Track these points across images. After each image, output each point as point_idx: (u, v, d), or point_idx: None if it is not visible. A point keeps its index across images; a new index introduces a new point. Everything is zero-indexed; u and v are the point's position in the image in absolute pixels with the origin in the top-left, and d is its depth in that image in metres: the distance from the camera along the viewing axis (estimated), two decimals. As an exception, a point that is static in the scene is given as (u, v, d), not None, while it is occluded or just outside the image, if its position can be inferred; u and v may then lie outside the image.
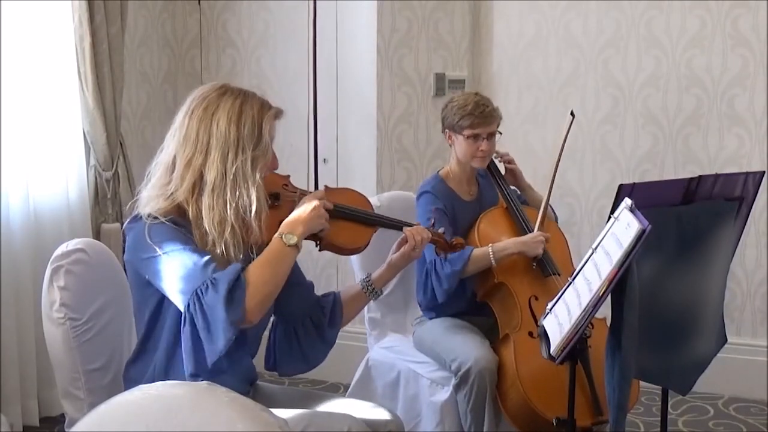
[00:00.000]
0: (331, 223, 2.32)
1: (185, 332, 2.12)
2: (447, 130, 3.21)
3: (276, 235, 2.19)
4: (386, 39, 4.30)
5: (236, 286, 2.08)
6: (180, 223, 2.19)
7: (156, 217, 2.18)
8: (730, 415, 4.02)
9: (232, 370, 2.29)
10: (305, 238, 2.26)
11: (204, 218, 2.18)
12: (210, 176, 2.17)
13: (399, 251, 2.51)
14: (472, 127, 3.13)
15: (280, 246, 2.17)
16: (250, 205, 2.18)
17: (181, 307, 2.13)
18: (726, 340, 2.81)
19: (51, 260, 2.43)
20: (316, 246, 2.35)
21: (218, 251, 2.17)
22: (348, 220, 2.41)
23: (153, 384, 1.50)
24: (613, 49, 4.30)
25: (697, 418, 4.00)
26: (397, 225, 2.53)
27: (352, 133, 4.41)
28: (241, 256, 2.20)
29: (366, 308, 3.41)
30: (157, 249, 2.15)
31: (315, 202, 2.26)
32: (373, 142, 4.34)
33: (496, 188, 3.27)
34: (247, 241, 2.22)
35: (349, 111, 4.40)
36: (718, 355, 2.78)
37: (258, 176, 2.21)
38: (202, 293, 2.08)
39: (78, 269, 2.42)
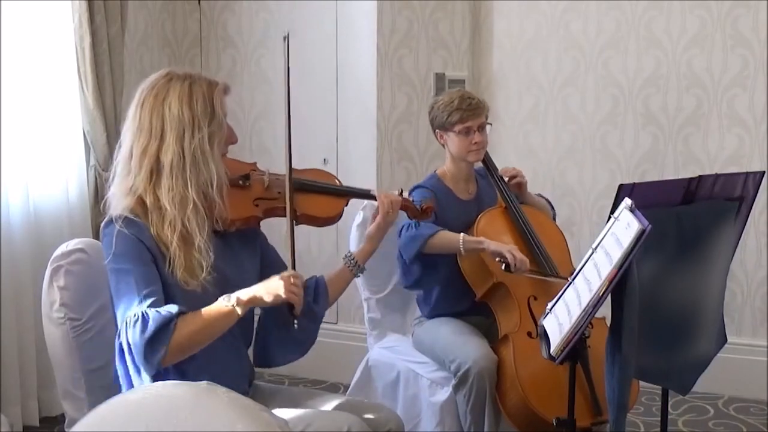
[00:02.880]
0: (304, 196, 2.43)
1: (116, 351, 2.18)
2: (437, 131, 3.22)
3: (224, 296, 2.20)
4: (386, 39, 4.29)
5: (162, 333, 2.11)
6: (141, 220, 2.21)
7: (126, 218, 2.20)
8: (730, 415, 4.02)
9: (226, 368, 2.30)
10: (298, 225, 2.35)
11: (163, 200, 2.21)
12: (167, 159, 2.21)
13: (374, 222, 2.59)
14: (462, 120, 3.14)
15: (221, 305, 2.18)
16: (212, 180, 2.22)
17: (118, 325, 2.18)
18: (726, 340, 2.82)
19: (51, 260, 2.43)
20: (294, 223, 2.40)
21: (175, 244, 2.18)
22: (319, 193, 2.51)
23: (153, 384, 1.50)
24: (613, 49, 4.30)
25: (697, 418, 4.00)
26: (366, 193, 2.65)
27: (352, 133, 4.40)
28: (206, 232, 2.22)
29: (366, 308, 3.42)
30: (117, 261, 2.18)
31: (285, 275, 2.23)
32: (373, 142, 4.34)
33: (495, 188, 3.27)
34: (212, 216, 2.26)
35: (349, 111, 4.39)
36: (718, 355, 2.79)
37: (216, 151, 2.26)
38: (129, 324, 2.12)
39: (78, 269, 2.42)
